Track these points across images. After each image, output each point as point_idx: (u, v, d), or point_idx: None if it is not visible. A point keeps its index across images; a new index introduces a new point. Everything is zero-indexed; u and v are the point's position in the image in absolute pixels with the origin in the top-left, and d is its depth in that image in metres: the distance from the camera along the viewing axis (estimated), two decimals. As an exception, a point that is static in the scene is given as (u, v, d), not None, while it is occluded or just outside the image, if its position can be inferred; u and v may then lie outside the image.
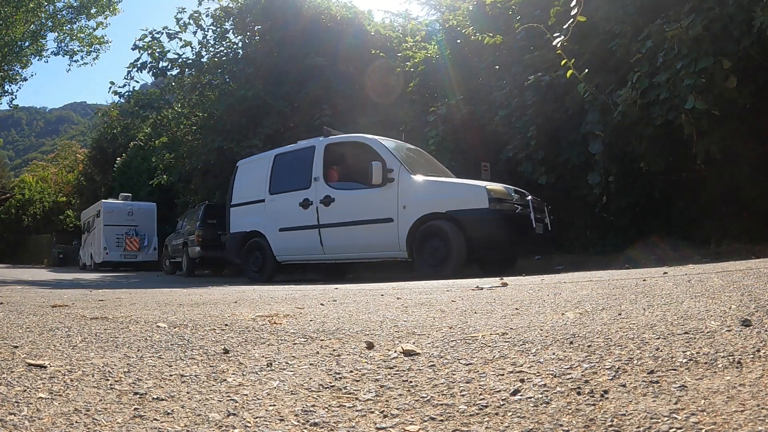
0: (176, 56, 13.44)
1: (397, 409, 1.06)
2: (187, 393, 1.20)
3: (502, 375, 1.22)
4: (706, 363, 1.18)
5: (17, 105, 18.28)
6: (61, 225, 34.92)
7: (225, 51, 13.82)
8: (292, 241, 7.31)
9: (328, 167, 7.12)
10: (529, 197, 6.09)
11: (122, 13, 17.56)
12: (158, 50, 13.31)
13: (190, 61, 13.44)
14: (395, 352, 1.50)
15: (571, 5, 6.04)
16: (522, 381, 1.16)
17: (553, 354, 1.35)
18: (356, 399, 1.13)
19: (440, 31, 10.83)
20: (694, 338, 1.40)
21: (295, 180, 7.33)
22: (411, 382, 1.22)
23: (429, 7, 13.39)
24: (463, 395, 1.11)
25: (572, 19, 5.95)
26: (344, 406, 1.09)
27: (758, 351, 1.23)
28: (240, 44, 13.83)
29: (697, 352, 1.26)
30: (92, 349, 1.69)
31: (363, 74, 11.61)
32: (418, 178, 6.22)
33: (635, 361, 1.23)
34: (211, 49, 13.68)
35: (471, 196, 5.79)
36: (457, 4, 10.75)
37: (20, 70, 16.94)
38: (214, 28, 13.52)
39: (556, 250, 7.69)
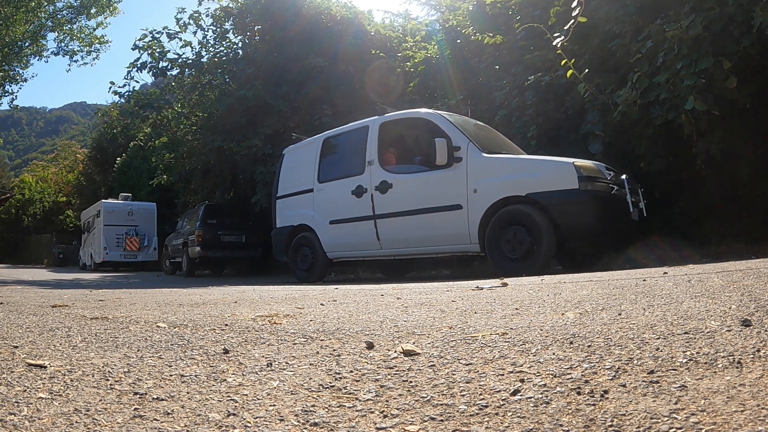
0: (176, 56, 13.46)
1: (397, 409, 1.06)
2: (187, 393, 1.20)
3: (502, 375, 1.22)
4: (706, 363, 1.18)
5: (17, 105, 18.30)
6: (61, 225, 34.96)
7: (225, 51, 13.83)
8: (345, 235, 6.52)
9: (385, 149, 6.31)
10: (624, 176, 5.19)
11: (122, 14, 17.59)
12: (158, 50, 13.32)
13: (190, 61, 13.45)
14: (395, 352, 1.50)
15: (572, 6, 6.03)
16: (522, 381, 1.16)
17: (553, 354, 1.35)
18: (356, 399, 1.13)
19: (440, 31, 10.83)
20: (694, 338, 1.40)
21: (347, 165, 6.59)
22: (411, 382, 1.22)
23: (429, 7, 13.40)
24: (463, 395, 1.11)
25: (573, 21, 5.94)
26: (344, 406, 1.09)
27: (758, 351, 1.23)
28: (240, 44, 13.84)
29: (697, 352, 1.26)
30: (92, 349, 1.69)
31: (363, 74, 11.61)
32: (491, 156, 5.37)
33: (635, 361, 1.23)
34: (211, 49, 13.70)
35: (557, 175, 4.90)
36: (457, 4, 10.75)
37: (20, 71, 16.96)
38: (214, 28, 13.53)
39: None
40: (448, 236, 5.58)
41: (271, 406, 1.10)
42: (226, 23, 13.43)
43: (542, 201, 4.90)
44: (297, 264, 7.23)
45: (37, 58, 17.02)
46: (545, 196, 4.88)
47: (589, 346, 1.40)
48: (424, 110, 6.31)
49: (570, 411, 0.97)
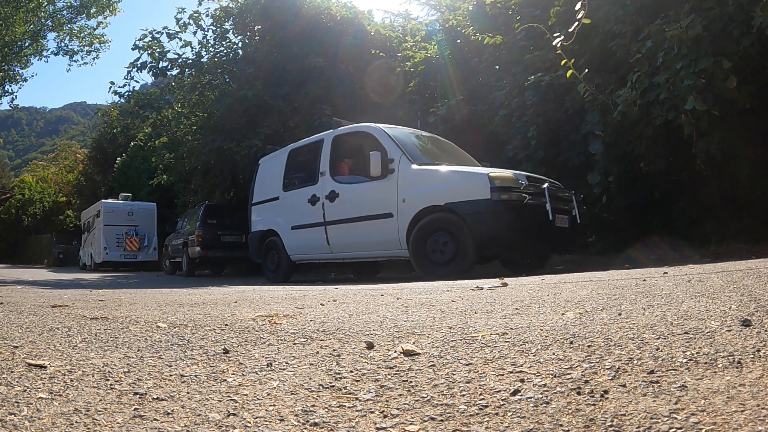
0: (176, 56, 13.46)
1: (397, 409, 1.06)
2: (187, 393, 1.20)
3: (502, 375, 1.22)
4: (706, 363, 1.18)
5: (18, 105, 18.30)
6: (61, 225, 34.97)
7: (225, 51, 13.82)
8: (303, 240, 6.96)
9: (339, 161, 6.72)
10: (546, 185, 5.33)
11: (122, 13, 17.59)
12: (158, 50, 13.31)
13: (190, 61, 13.44)
14: (395, 352, 1.50)
15: (576, 8, 6.03)
16: (522, 381, 1.16)
17: (553, 354, 1.35)
18: (356, 399, 1.13)
19: (440, 31, 10.83)
20: (694, 338, 1.40)
21: (306, 176, 7.03)
22: (411, 382, 1.22)
23: (429, 7, 13.41)
24: (463, 395, 1.11)
25: (577, 23, 5.93)
26: (344, 406, 1.09)
27: (758, 351, 1.23)
28: (240, 44, 13.84)
29: (697, 352, 1.26)
30: (92, 349, 1.69)
31: (363, 74, 11.61)
32: (419, 167, 5.66)
33: (635, 361, 1.23)
34: (211, 49, 13.69)
35: (471, 186, 5.18)
36: (457, 4, 10.75)
37: (20, 70, 16.97)
38: (214, 28, 13.53)
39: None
40: (382, 242, 5.93)
41: (271, 406, 1.10)
42: (226, 23, 13.43)
43: (458, 210, 5.18)
44: (267, 265, 7.73)
45: (37, 58, 17.04)
46: (461, 206, 5.16)
47: (589, 346, 1.40)
48: (368, 125, 6.62)
49: (570, 411, 0.97)
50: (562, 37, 6.23)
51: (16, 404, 1.11)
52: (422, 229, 5.46)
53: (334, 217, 6.47)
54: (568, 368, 1.22)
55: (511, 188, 5.09)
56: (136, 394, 1.19)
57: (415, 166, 5.69)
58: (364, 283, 5.50)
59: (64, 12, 16.66)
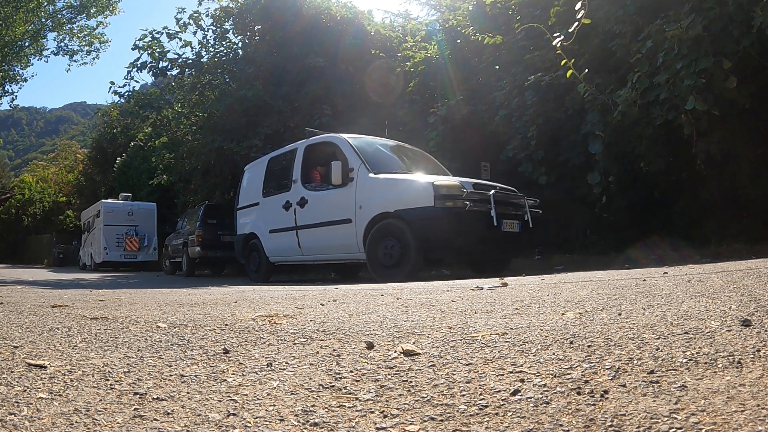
0: (176, 56, 13.47)
1: (397, 409, 1.06)
2: (187, 393, 1.20)
3: (502, 375, 1.22)
4: (706, 363, 1.18)
5: (18, 105, 18.31)
6: (61, 225, 34.95)
7: (225, 51, 13.83)
8: (279, 243, 7.36)
9: (312, 169, 7.09)
10: (492, 192, 5.52)
11: (122, 13, 17.60)
12: (158, 50, 13.31)
13: (190, 61, 13.45)
14: (395, 352, 1.50)
15: (576, 8, 6.03)
16: (522, 381, 1.16)
17: (553, 354, 1.35)
18: (356, 399, 1.13)
19: (440, 31, 10.83)
20: (694, 338, 1.40)
21: (282, 183, 7.44)
22: (411, 382, 1.22)
23: (429, 7, 13.42)
24: (463, 395, 1.11)
25: (577, 23, 5.94)
26: (344, 406, 1.09)
27: (758, 351, 1.23)
28: (240, 44, 13.84)
29: (697, 352, 1.26)
30: (92, 349, 1.69)
31: (363, 74, 11.61)
32: (374, 176, 5.95)
33: (635, 361, 1.23)
34: (211, 49, 13.70)
35: (418, 194, 5.46)
36: (457, 4, 10.75)
37: (20, 70, 16.97)
38: (214, 28, 13.54)
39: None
40: (344, 246, 6.30)
41: (271, 406, 1.10)
42: (226, 23, 13.43)
43: (405, 217, 5.50)
44: (250, 266, 8.19)
45: (37, 58, 17.05)
46: (408, 213, 5.48)
47: (589, 346, 1.40)
48: (335, 135, 6.93)
49: (570, 411, 0.97)
50: (562, 37, 6.23)
51: (16, 404, 1.11)
52: (375, 234, 5.80)
53: (304, 222, 6.86)
54: (568, 368, 1.22)
55: (455, 196, 5.34)
56: (136, 394, 1.19)
57: (371, 175, 5.99)
58: (364, 283, 5.51)
59: (64, 12, 16.68)
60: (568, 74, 6.29)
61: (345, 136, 6.71)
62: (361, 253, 6.02)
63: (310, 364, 1.43)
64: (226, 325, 2.15)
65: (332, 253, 6.65)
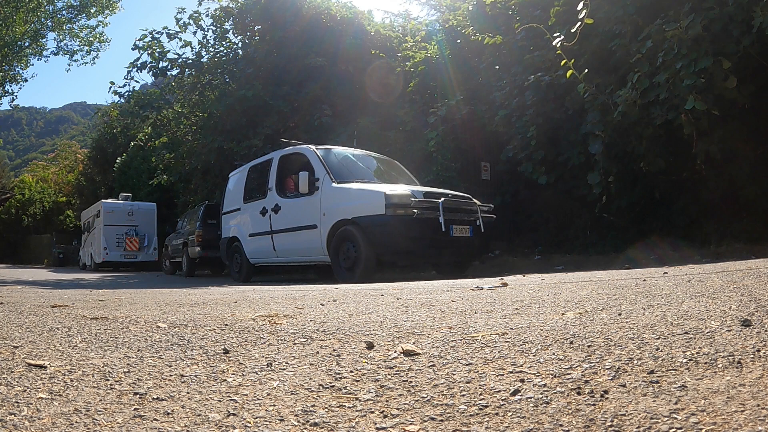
0: (176, 56, 13.44)
1: (397, 409, 1.06)
2: (187, 393, 1.20)
3: (502, 375, 1.22)
4: (706, 363, 1.18)
5: (18, 105, 18.30)
6: (61, 225, 34.93)
7: (225, 51, 13.81)
8: (257, 246, 7.85)
9: (287, 177, 7.50)
10: (442, 200, 5.92)
11: (122, 12, 17.60)
12: (158, 50, 13.29)
13: (190, 61, 13.43)
14: (395, 352, 1.50)
15: (578, 8, 6.03)
16: (522, 381, 1.16)
17: (553, 354, 1.35)
18: (356, 399, 1.13)
19: (440, 31, 10.82)
20: (694, 338, 1.40)
21: (259, 190, 7.93)
22: (411, 382, 1.22)
23: (429, 7, 13.41)
24: (463, 395, 1.11)
25: (580, 23, 5.94)
26: (344, 406, 1.09)
27: (758, 351, 1.23)
28: (240, 44, 13.82)
29: (697, 352, 1.26)
30: (92, 349, 1.69)
31: (363, 74, 11.60)
32: (337, 186, 6.43)
33: (635, 361, 1.23)
34: (211, 49, 13.67)
35: (372, 202, 5.88)
36: (457, 4, 10.74)
37: (20, 70, 16.96)
38: (214, 28, 13.51)
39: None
40: (311, 249, 6.77)
41: (271, 406, 1.10)
42: (226, 23, 13.41)
43: (361, 223, 5.95)
44: (233, 267, 8.71)
45: (37, 57, 17.04)
46: (363, 220, 5.93)
47: (589, 346, 1.40)
48: (305, 147, 7.37)
49: (570, 411, 0.97)
50: (562, 37, 6.23)
51: (16, 404, 1.11)
52: (336, 239, 6.27)
53: (277, 227, 7.37)
54: (568, 368, 1.22)
55: (405, 204, 5.76)
56: (136, 394, 1.19)
57: (334, 185, 6.46)
58: (364, 283, 5.51)
59: (64, 12, 16.67)
60: (568, 74, 6.29)
61: (314, 147, 7.18)
62: (326, 256, 6.48)
63: (310, 364, 1.43)
64: (226, 325, 2.15)
65: (302, 256, 7.16)
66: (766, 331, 1.41)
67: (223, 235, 9.04)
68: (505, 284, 3.45)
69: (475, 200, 6.54)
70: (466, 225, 6.10)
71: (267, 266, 8.41)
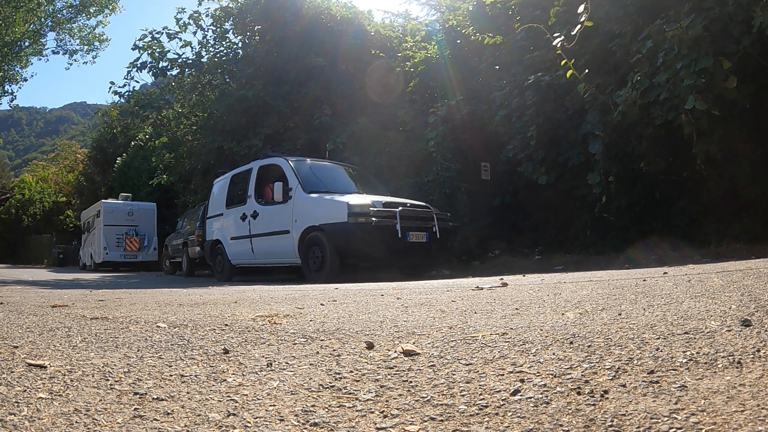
0: (176, 56, 13.44)
1: (397, 409, 1.06)
2: (187, 393, 1.20)
3: (502, 375, 1.22)
4: (706, 363, 1.18)
5: (17, 105, 18.30)
6: (61, 225, 34.91)
7: (225, 51, 13.80)
8: (238, 248, 8.44)
9: (265, 186, 8.07)
10: (399, 209, 6.46)
11: (122, 13, 17.59)
12: (158, 50, 13.29)
13: (190, 61, 13.43)
14: (395, 352, 1.50)
15: (579, 11, 6.02)
16: (522, 381, 1.16)
17: (553, 354, 1.35)
18: (356, 399, 1.13)
19: (440, 31, 10.82)
20: (694, 338, 1.40)
21: (240, 197, 8.53)
22: (411, 382, 1.22)
23: (429, 7, 13.41)
24: (463, 395, 1.11)
25: (580, 25, 5.94)
26: (344, 406, 1.09)
27: (758, 351, 1.23)
28: (240, 44, 13.82)
29: (697, 352, 1.26)
30: (92, 349, 1.69)
31: (363, 74, 11.59)
32: (307, 195, 7.05)
33: (635, 361, 1.23)
34: (211, 49, 13.67)
35: (336, 211, 6.44)
36: (457, 4, 10.74)
37: (20, 70, 16.96)
38: (214, 29, 13.51)
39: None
40: (284, 252, 7.34)
41: (271, 406, 1.10)
42: (226, 23, 13.40)
43: (326, 230, 6.53)
44: (216, 267, 9.35)
45: (37, 57, 17.04)
46: (328, 227, 6.51)
47: (589, 346, 1.40)
48: (280, 158, 8.00)
49: (570, 411, 0.97)
50: (563, 37, 6.23)
51: (16, 404, 1.11)
52: (306, 243, 6.85)
53: (256, 232, 7.94)
54: (568, 368, 1.22)
55: (365, 213, 6.30)
56: (136, 394, 1.19)
57: (305, 195, 7.07)
58: (364, 283, 5.51)
59: (64, 11, 16.67)
60: (568, 74, 6.29)
61: (289, 159, 7.85)
62: (297, 258, 7.05)
63: (310, 364, 1.43)
64: (226, 325, 2.15)
65: (277, 258, 7.75)
66: (766, 331, 1.41)
67: (207, 238, 9.69)
68: (505, 284, 3.45)
69: (433, 209, 7.10)
70: (422, 231, 6.64)
71: (247, 267, 8.96)
